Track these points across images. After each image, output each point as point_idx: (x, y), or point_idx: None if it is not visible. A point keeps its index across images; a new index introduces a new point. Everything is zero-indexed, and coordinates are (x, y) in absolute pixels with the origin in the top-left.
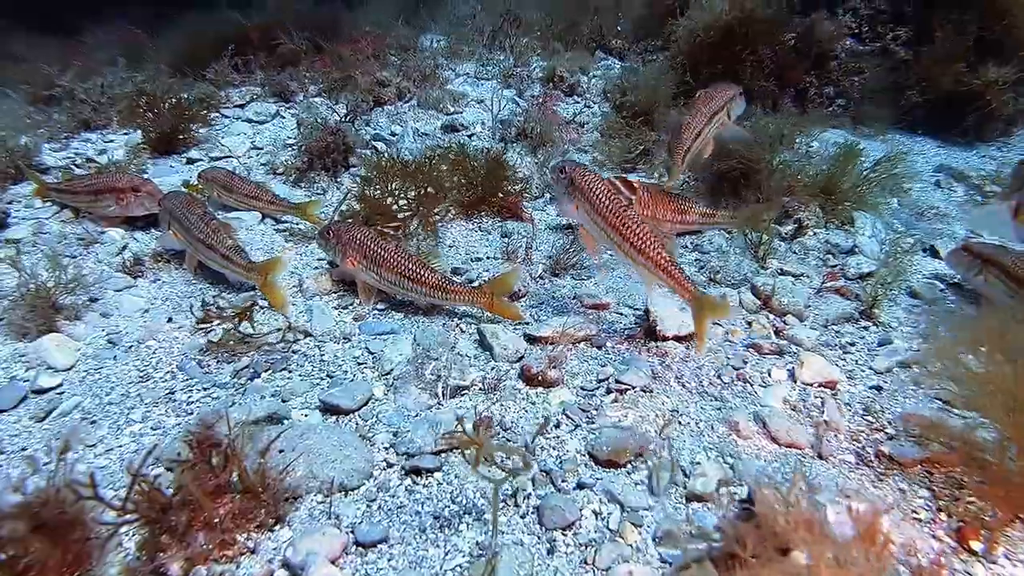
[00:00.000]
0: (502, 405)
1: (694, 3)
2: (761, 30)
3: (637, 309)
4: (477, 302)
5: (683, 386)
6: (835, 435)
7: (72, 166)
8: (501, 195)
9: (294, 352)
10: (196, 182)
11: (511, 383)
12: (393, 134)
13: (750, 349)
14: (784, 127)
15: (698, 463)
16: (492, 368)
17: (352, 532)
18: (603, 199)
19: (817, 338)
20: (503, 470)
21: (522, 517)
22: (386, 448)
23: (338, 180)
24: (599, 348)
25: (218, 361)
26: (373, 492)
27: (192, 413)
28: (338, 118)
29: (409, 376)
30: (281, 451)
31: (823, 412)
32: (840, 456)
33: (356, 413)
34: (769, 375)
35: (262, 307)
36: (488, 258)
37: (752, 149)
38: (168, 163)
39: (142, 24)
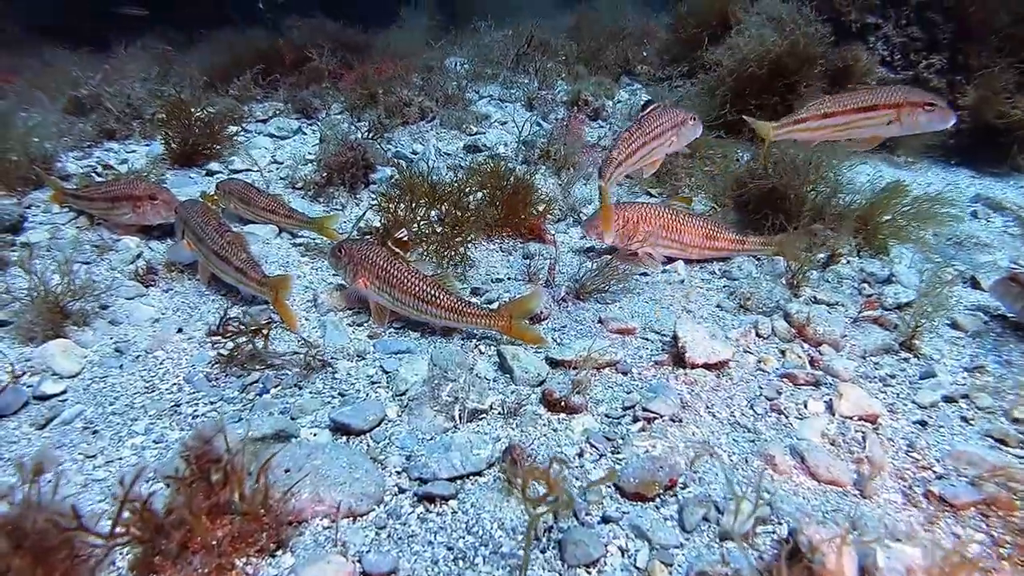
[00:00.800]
0: (522, 431)
1: (735, 32)
2: (807, 60)
3: (664, 335)
4: (495, 325)
5: (714, 416)
6: (879, 472)
7: (93, 173)
8: (524, 216)
9: (311, 369)
10: (213, 193)
11: (532, 408)
12: (415, 152)
13: (784, 379)
14: (814, 155)
15: (732, 499)
16: (512, 392)
17: (359, 561)
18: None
19: (855, 369)
20: (535, 503)
21: (542, 552)
22: (398, 472)
23: (357, 196)
24: (625, 374)
25: (227, 375)
26: (383, 519)
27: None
28: (360, 135)
29: (425, 397)
30: (287, 471)
31: (865, 447)
32: (885, 495)
33: (368, 434)
34: (805, 407)
35: (275, 322)
36: (509, 279)
37: (783, 176)
38: (188, 174)
39: (176, 41)
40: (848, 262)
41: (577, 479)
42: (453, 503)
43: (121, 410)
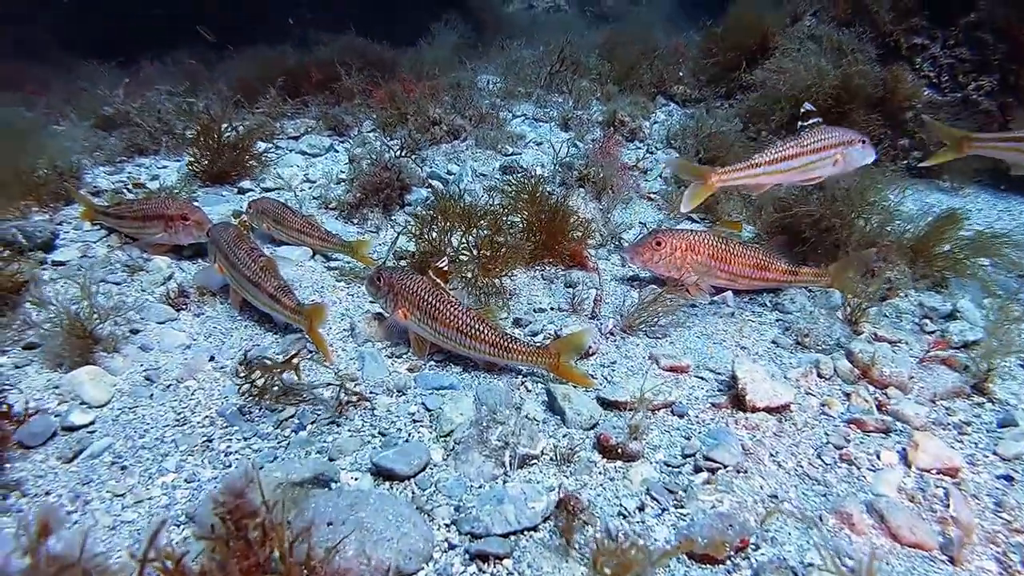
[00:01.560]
0: (577, 479)
1: (780, 53)
2: (859, 93)
3: (719, 373)
4: (542, 363)
5: (780, 466)
6: (969, 537)
7: (124, 190)
8: (564, 242)
9: (349, 405)
10: (246, 212)
11: (586, 454)
12: (450, 173)
13: (851, 425)
14: (864, 181)
15: (810, 564)
16: (564, 436)
17: None
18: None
19: (927, 415)
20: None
21: None
22: (447, 525)
23: (392, 218)
24: (681, 417)
25: (261, 408)
26: None
27: (230, 466)
28: (392, 154)
29: (472, 441)
30: (329, 524)
31: (948, 505)
32: (977, 562)
33: (412, 480)
34: (878, 457)
35: (311, 352)
36: (552, 309)
37: (832, 203)
38: (219, 192)
39: (204, 57)
40: (906, 295)
41: (641, 536)
42: (508, 563)
43: (151, 444)
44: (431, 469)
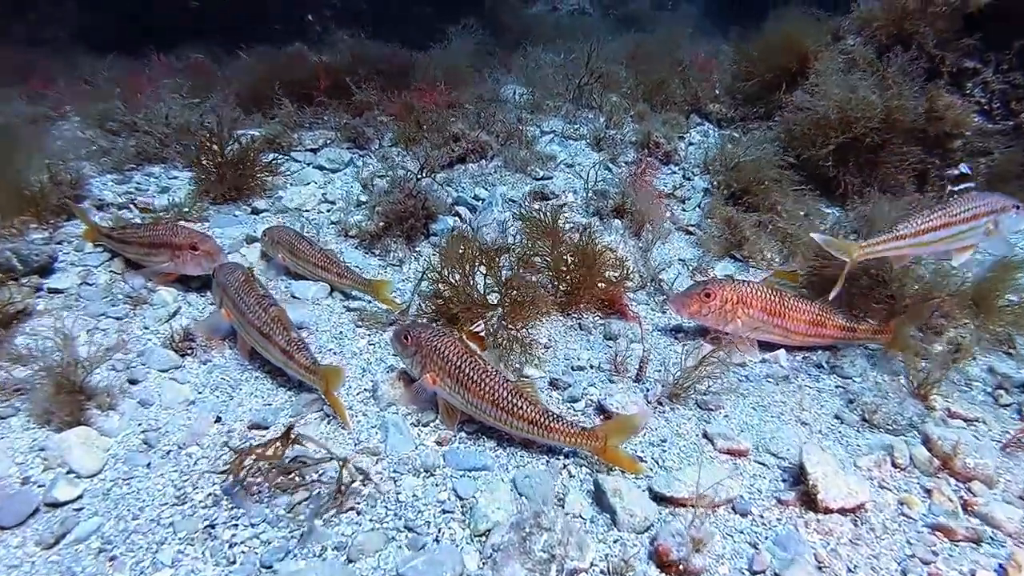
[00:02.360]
0: None
1: (819, 74)
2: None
3: (781, 457)
4: (586, 446)
5: None
6: None
7: (131, 204)
8: (602, 284)
9: (353, 483)
10: (260, 240)
11: (642, 567)
12: (477, 198)
13: (936, 532)
14: None
15: None
16: (615, 541)
17: None
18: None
19: (1021, 520)
20: None
21: None
22: None
23: (416, 249)
24: (744, 516)
25: (271, 487)
26: None
27: (235, 562)
28: (413, 175)
29: (512, 549)
30: None
31: None
32: None
33: None
34: None
35: (328, 415)
36: (592, 367)
37: None
38: (232, 211)
39: (211, 55)
40: (974, 358)
41: None
42: None
43: (145, 528)
44: None
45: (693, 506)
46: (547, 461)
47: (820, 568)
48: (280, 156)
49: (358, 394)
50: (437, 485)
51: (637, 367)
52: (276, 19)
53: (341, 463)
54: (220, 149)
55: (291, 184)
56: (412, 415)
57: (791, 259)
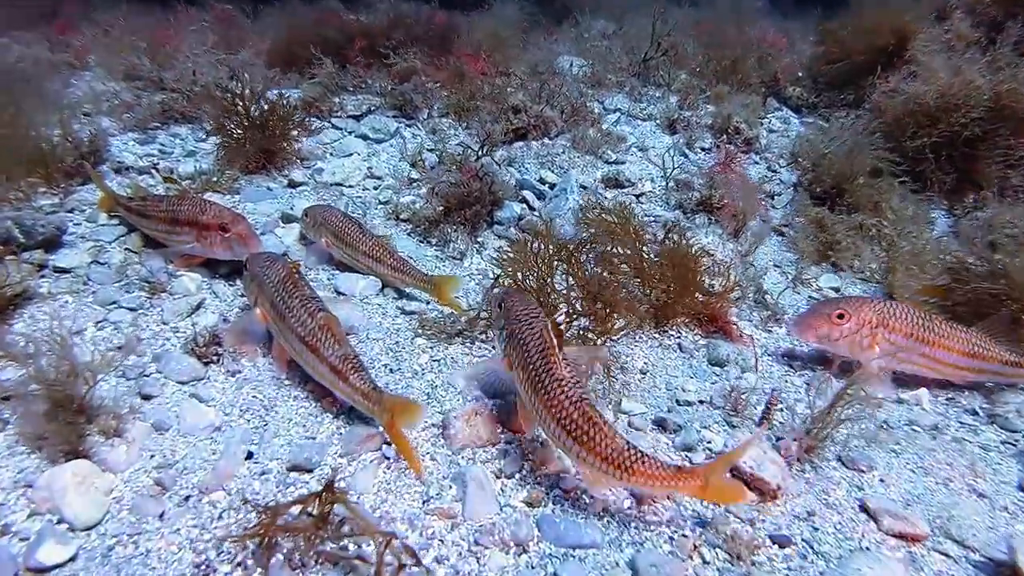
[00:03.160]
0: None
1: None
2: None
3: (970, 548)
4: (686, 488)
5: None
6: None
7: (152, 169)
8: (698, 294)
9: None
10: (301, 220)
11: None
12: (543, 181)
13: None
14: None
15: None
16: None
17: None
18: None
19: None
20: None
21: None
22: None
23: (478, 239)
24: None
25: (316, 558)
26: None
27: None
28: (474, 152)
29: None
30: None
31: None
32: None
33: None
34: None
35: (389, 458)
36: (701, 403)
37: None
38: (266, 183)
39: (239, 7)
40: None
41: None
42: None
43: None
44: None
45: None
46: (670, 538)
47: None
48: (318, 120)
49: (423, 429)
50: (533, 568)
51: (763, 409)
52: None
53: (383, 541)
54: (246, 111)
55: (331, 155)
56: (494, 461)
57: (889, 273)
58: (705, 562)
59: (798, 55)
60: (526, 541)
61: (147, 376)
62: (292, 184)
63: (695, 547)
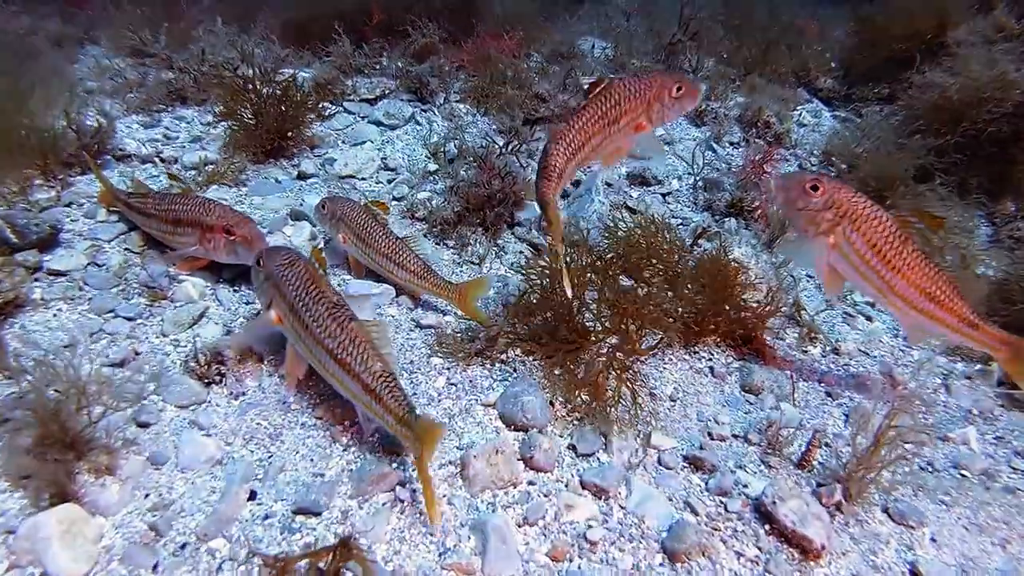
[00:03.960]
0: None
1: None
2: None
3: None
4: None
5: None
6: None
7: (156, 157)
8: (729, 308)
9: None
10: (315, 213)
11: None
12: None
13: None
14: None
15: None
16: None
17: None
18: None
19: None
20: None
21: None
22: None
23: (497, 242)
24: None
25: None
26: None
27: None
28: (499, 148)
29: None
30: None
31: None
32: None
33: None
34: None
35: (401, 499)
36: (735, 437)
37: None
38: (274, 174)
39: None
40: None
41: None
42: None
43: None
44: None
45: None
46: None
47: None
48: (331, 105)
49: (440, 467)
50: None
51: (803, 450)
52: None
53: None
54: (256, 94)
55: (343, 143)
56: (514, 507)
57: None
58: None
59: (831, 43)
60: None
61: (144, 400)
62: (302, 176)
63: None
